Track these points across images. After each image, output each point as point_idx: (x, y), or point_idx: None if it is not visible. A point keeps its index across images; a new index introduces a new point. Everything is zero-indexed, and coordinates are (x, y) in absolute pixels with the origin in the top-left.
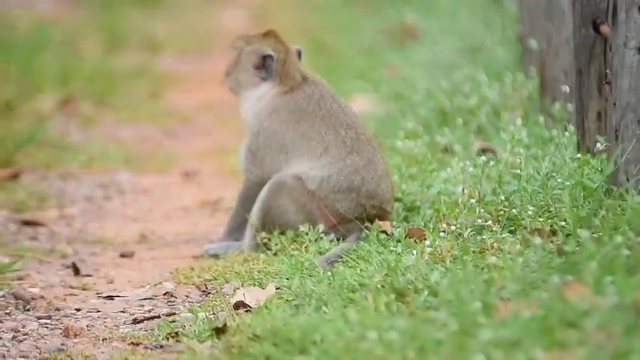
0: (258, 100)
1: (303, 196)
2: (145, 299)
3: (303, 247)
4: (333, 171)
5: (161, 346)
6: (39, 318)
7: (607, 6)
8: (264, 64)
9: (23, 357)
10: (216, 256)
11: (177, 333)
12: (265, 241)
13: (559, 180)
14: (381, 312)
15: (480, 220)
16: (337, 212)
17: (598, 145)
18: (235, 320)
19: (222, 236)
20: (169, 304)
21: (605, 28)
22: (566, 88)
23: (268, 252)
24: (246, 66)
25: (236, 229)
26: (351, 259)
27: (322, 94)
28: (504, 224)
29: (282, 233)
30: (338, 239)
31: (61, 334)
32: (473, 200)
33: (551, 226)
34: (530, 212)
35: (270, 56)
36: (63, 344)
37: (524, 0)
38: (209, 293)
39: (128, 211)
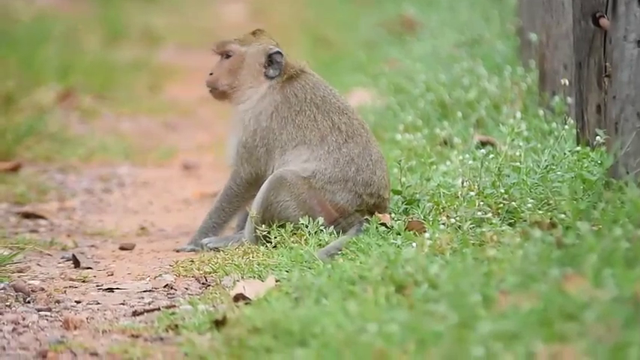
0: (260, 100)
1: (304, 192)
2: (144, 292)
3: (302, 239)
4: (329, 162)
5: (161, 339)
6: (39, 310)
7: None
8: (271, 62)
9: (23, 349)
10: (216, 249)
11: (176, 325)
12: (265, 233)
13: (558, 173)
14: (380, 304)
15: (479, 213)
16: (337, 207)
17: (597, 137)
18: (235, 313)
19: (197, 233)
20: (169, 296)
21: (604, 22)
22: (565, 81)
23: (268, 245)
24: (253, 67)
25: (220, 226)
26: (350, 251)
27: (315, 82)
28: (504, 217)
29: (282, 226)
30: (338, 233)
31: (61, 326)
32: (472, 193)
33: (550, 218)
34: (529, 205)
35: (278, 53)
36: (63, 336)
37: None
38: (209, 286)
39: (128, 203)
